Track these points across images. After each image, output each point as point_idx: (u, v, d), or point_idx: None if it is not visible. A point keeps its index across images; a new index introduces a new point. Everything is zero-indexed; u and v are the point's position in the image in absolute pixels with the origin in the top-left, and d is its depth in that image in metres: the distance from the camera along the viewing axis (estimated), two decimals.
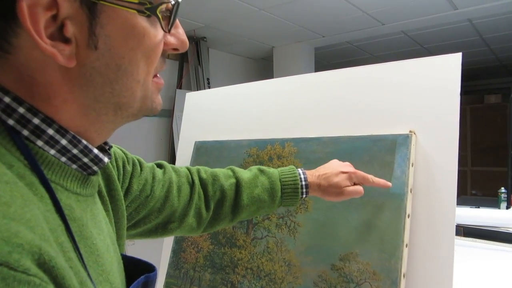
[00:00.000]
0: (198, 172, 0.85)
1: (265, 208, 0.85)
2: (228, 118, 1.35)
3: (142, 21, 0.43)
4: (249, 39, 3.64)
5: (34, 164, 0.39)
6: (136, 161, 0.73)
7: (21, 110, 0.40)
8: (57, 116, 0.42)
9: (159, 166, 0.81)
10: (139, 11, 0.42)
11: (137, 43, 0.43)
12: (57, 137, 0.42)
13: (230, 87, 1.39)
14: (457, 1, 2.78)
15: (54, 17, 0.38)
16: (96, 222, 0.48)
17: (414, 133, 0.94)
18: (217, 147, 1.30)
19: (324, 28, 3.37)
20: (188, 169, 0.84)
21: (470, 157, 5.22)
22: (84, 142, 0.45)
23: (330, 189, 0.84)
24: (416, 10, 2.96)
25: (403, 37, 3.78)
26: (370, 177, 0.87)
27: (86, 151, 0.45)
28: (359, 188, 0.85)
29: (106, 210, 0.56)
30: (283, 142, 1.15)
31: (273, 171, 0.86)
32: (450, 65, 0.93)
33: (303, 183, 0.84)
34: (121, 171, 0.67)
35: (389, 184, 0.90)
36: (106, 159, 0.49)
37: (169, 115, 3.45)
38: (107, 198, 0.58)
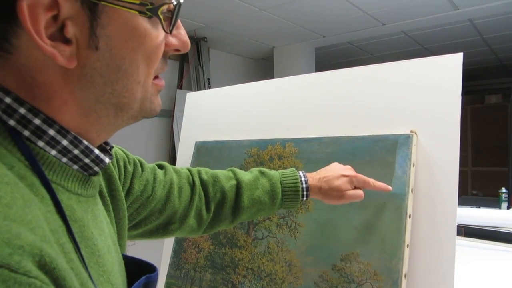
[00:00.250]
0: (199, 173, 0.85)
1: (266, 210, 0.85)
2: (228, 118, 1.35)
3: (143, 22, 0.43)
4: (250, 39, 3.64)
5: (35, 164, 0.39)
6: (137, 161, 0.73)
7: (22, 110, 0.39)
8: (58, 117, 0.42)
9: (160, 167, 0.81)
10: (141, 12, 0.42)
11: (138, 44, 0.43)
12: (58, 137, 0.42)
13: (231, 87, 1.39)
14: (458, 1, 2.78)
15: (55, 18, 0.38)
16: (97, 223, 0.48)
17: (415, 133, 0.94)
18: (217, 147, 1.30)
19: (325, 28, 3.36)
20: (189, 170, 0.84)
21: (471, 157, 5.21)
22: (85, 142, 0.44)
23: (330, 192, 0.84)
24: (416, 10, 2.96)
25: (403, 37, 3.78)
26: (371, 180, 0.87)
27: (87, 152, 0.45)
28: (360, 192, 0.85)
29: (107, 210, 0.56)
30: (283, 142, 1.15)
31: (274, 173, 0.86)
32: (451, 65, 0.93)
33: (304, 185, 0.84)
34: (122, 172, 0.67)
35: (390, 187, 0.90)
36: (107, 160, 0.49)
37: (169, 115, 3.45)
38: (108, 199, 0.58)
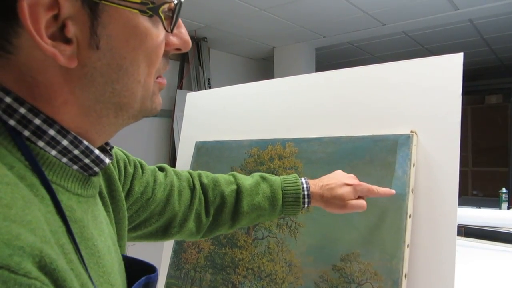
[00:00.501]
0: (200, 176, 0.84)
1: (266, 216, 0.84)
2: (229, 118, 1.35)
3: (144, 21, 0.43)
4: (250, 39, 3.64)
5: (35, 165, 0.39)
6: (138, 163, 0.73)
7: (22, 110, 0.39)
8: (58, 117, 0.42)
9: (161, 169, 0.80)
10: (141, 11, 0.42)
11: (139, 43, 0.43)
12: (58, 138, 0.42)
13: (231, 87, 1.39)
14: (458, 1, 2.78)
15: (55, 17, 0.38)
16: (97, 223, 0.48)
17: (416, 133, 0.94)
18: (218, 147, 1.29)
19: (325, 28, 3.36)
20: (190, 173, 0.84)
21: (471, 157, 5.21)
22: (85, 143, 0.44)
23: (333, 200, 0.82)
24: (417, 10, 2.95)
25: (404, 37, 3.78)
26: (375, 188, 0.86)
27: (87, 152, 0.45)
28: (363, 202, 0.84)
29: (107, 211, 0.56)
30: (284, 142, 1.15)
31: (275, 179, 0.85)
32: (452, 65, 0.93)
33: (305, 192, 0.83)
34: (122, 173, 0.67)
35: (393, 191, 0.89)
36: (107, 160, 0.48)
37: (169, 115, 3.45)
38: (108, 199, 0.58)
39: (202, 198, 0.82)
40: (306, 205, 0.84)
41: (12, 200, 0.33)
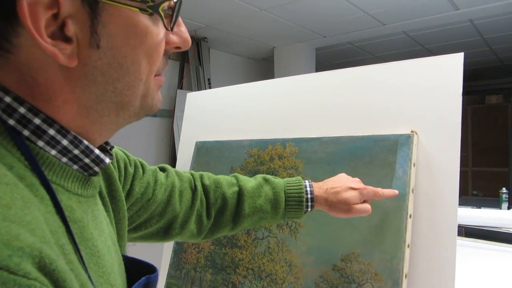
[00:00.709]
0: (201, 178, 0.83)
1: (268, 219, 0.83)
2: (229, 118, 1.35)
3: (144, 20, 0.43)
4: (250, 39, 3.64)
5: (35, 165, 0.39)
6: (139, 163, 0.72)
7: (22, 110, 0.39)
8: (58, 117, 0.42)
9: (162, 169, 0.80)
10: (141, 9, 0.42)
11: (139, 41, 0.43)
12: (58, 137, 0.42)
13: (231, 87, 1.39)
14: (458, 1, 2.78)
15: (55, 16, 0.38)
16: (97, 223, 0.48)
17: (416, 133, 0.94)
18: (218, 147, 1.29)
19: (325, 28, 3.36)
20: (192, 174, 0.83)
21: (471, 157, 5.20)
22: (86, 142, 0.44)
23: (338, 205, 0.81)
24: (417, 10, 2.95)
25: (404, 37, 3.78)
26: (380, 190, 0.85)
27: (87, 152, 0.45)
28: (368, 206, 0.83)
29: (107, 211, 0.56)
30: (284, 142, 1.15)
31: (278, 182, 0.84)
32: (452, 65, 0.93)
33: (309, 196, 0.82)
34: (123, 173, 0.67)
35: (396, 192, 0.88)
36: (107, 160, 0.48)
37: (170, 115, 3.45)
38: (108, 199, 0.58)
39: (204, 199, 0.81)
40: (309, 209, 0.82)
41: (11, 200, 0.33)
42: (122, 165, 0.67)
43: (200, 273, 1.17)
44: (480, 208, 2.48)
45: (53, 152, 0.42)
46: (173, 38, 0.48)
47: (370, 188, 0.84)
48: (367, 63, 1.10)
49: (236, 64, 4.19)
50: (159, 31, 0.44)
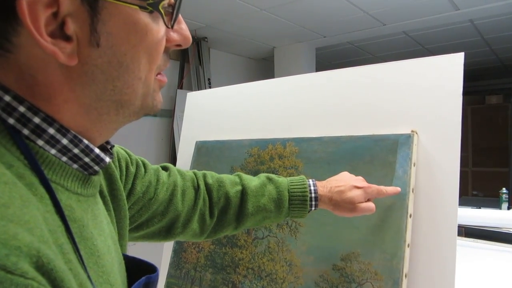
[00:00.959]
0: (204, 177, 0.83)
1: (271, 218, 0.83)
2: (229, 118, 1.35)
3: (144, 17, 0.42)
4: (250, 39, 3.64)
5: (34, 163, 0.39)
6: (140, 162, 0.72)
7: (21, 109, 0.39)
8: (58, 115, 0.42)
9: (165, 168, 0.79)
10: (141, 7, 0.42)
11: (139, 39, 0.43)
12: (58, 136, 0.41)
13: (231, 87, 1.39)
14: (459, 1, 2.78)
15: (55, 15, 0.38)
16: (97, 223, 0.48)
17: (416, 133, 0.94)
18: (218, 147, 1.29)
19: (325, 28, 3.36)
20: (195, 174, 0.83)
21: (471, 157, 5.21)
22: (85, 141, 0.44)
23: (343, 204, 0.81)
24: (417, 10, 2.95)
25: (404, 37, 3.78)
26: (383, 188, 0.85)
27: (87, 151, 0.45)
28: (372, 205, 0.83)
29: (107, 210, 0.56)
30: (284, 141, 1.15)
31: (282, 180, 0.84)
32: (452, 65, 0.93)
33: (313, 195, 0.81)
34: (124, 172, 0.66)
35: (399, 189, 0.88)
36: (107, 159, 0.48)
37: (170, 115, 3.45)
38: (109, 198, 0.57)
39: (207, 198, 0.81)
40: (313, 208, 0.82)
41: (10, 199, 0.33)
42: (123, 164, 0.66)
43: (200, 272, 1.17)
44: (480, 208, 2.48)
45: (53, 151, 0.41)
46: (174, 35, 0.48)
47: (374, 186, 0.84)
48: (367, 63, 1.10)
49: (236, 64, 4.19)
50: (159, 28, 0.44)
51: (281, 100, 1.23)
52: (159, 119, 3.43)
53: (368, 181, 0.86)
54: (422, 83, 0.97)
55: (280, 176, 0.87)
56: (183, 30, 0.49)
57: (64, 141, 0.42)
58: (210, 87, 3.51)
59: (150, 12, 0.43)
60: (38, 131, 0.40)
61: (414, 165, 0.92)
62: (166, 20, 0.45)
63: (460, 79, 0.91)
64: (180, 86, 3.49)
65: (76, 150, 0.43)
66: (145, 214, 0.71)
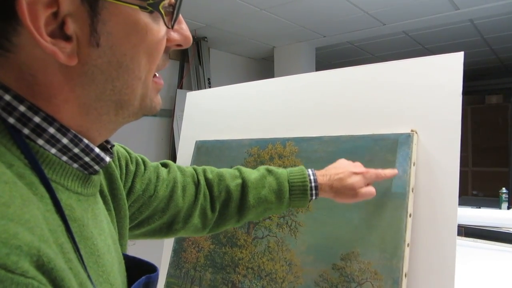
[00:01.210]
0: (204, 172, 0.83)
1: (273, 209, 0.83)
2: (229, 118, 1.35)
3: (144, 17, 0.42)
4: (250, 39, 3.64)
5: (35, 163, 0.39)
6: (140, 160, 0.72)
7: (21, 108, 0.39)
8: (58, 115, 0.42)
9: (164, 165, 0.80)
10: (141, 7, 0.42)
11: (139, 39, 0.43)
12: (58, 136, 0.42)
13: (231, 87, 1.39)
14: (459, 1, 2.78)
15: (55, 15, 0.38)
16: (97, 222, 0.48)
17: (416, 133, 0.94)
18: (218, 147, 1.29)
19: (325, 28, 3.36)
20: (194, 169, 0.83)
21: (471, 157, 5.21)
22: (86, 141, 0.44)
23: (344, 191, 0.82)
24: (417, 10, 2.95)
25: (404, 37, 3.78)
26: (381, 171, 0.86)
27: (87, 150, 0.45)
28: (372, 189, 0.84)
29: (108, 209, 0.56)
30: (284, 141, 1.15)
31: (282, 172, 0.84)
32: (452, 64, 0.93)
33: (313, 184, 0.82)
34: (124, 171, 0.66)
35: (396, 171, 0.89)
36: (107, 158, 0.48)
37: (169, 115, 3.45)
38: (109, 198, 0.57)
39: (207, 193, 0.81)
40: (314, 197, 0.82)
41: (10, 198, 0.33)
42: (123, 163, 0.66)
43: (200, 272, 1.17)
44: (480, 208, 2.48)
45: (53, 150, 0.42)
46: (174, 35, 0.48)
47: (372, 170, 0.85)
48: (367, 63, 1.10)
49: (236, 64, 4.19)
50: (159, 28, 0.44)
51: (281, 100, 1.23)
52: (159, 119, 3.43)
53: None
54: (422, 82, 0.97)
55: (279, 167, 0.87)
56: (183, 30, 0.49)
57: (64, 141, 0.42)
58: (210, 87, 3.51)
59: (150, 12, 0.43)
60: (38, 131, 0.40)
61: (414, 165, 0.92)
62: (166, 20, 0.45)
63: (460, 78, 0.91)
64: (180, 86, 3.50)
65: (76, 150, 0.43)
66: (145, 212, 0.71)
